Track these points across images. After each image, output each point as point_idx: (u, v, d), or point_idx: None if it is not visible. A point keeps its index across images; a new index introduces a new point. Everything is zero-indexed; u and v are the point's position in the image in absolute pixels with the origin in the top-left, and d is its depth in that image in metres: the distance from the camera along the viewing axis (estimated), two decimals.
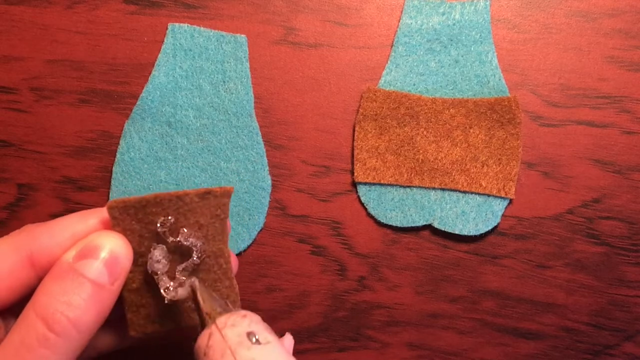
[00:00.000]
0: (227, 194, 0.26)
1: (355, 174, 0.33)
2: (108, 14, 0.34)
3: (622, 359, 0.34)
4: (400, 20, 0.34)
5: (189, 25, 0.34)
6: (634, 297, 0.34)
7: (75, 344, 0.23)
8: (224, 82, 0.34)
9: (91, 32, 0.34)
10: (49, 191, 0.34)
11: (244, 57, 0.34)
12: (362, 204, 0.34)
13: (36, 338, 0.22)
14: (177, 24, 0.34)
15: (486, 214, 0.33)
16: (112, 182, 0.33)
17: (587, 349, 0.35)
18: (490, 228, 0.34)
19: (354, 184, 0.34)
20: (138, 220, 0.25)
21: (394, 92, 0.33)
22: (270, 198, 0.34)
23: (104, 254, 0.24)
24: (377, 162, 0.33)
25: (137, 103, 0.33)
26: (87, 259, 0.24)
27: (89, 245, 0.24)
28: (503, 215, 0.34)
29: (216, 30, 0.34)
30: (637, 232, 0.34)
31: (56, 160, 0.34)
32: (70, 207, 0.34)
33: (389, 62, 0.34)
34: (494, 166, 0.33)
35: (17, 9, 0.34)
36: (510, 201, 0.34)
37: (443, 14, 0.34)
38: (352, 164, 0.34)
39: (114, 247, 0.24)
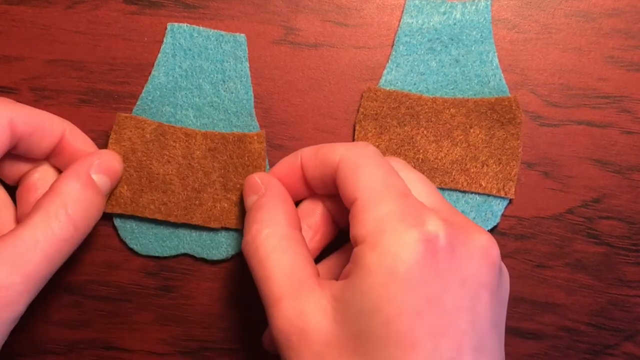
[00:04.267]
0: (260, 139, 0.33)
1: None
2: (108, 14, 0.34)
3: (622, 359, 0.34)
4: (401, 20, 0.34)
5: (188, 25, 0.34)
6: (634, 297, 0.34)
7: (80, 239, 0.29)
8: (223, 81, 0.34)
9: (91, 32, 0.34)
10: None
11: (244, 57, 0.34)
12: None
13: (59, 227, 0.27)
14: (176, 24, 0.34)
15: (486, 214, 0.33)
16: None
17: (587, 349, 0.35)
18: (490, 228, 0.34)
19: None
20: (144, 140, 0.32)
21: (394, 91, 0.33)
22: None
23: (114, 175, 0.31)
24: None
25: (137, 103, 0.33)
26: (104, 176, 0.30)
27: (108, 163, 0.30)
28: (503, 215, 0.34)
29: (215, 30, 0.34)
30: (637, 232, 0.34)
31: None
32: None
33: (389, 61, 0.34)
34: (494, 166, 0.33)
35: (17, 9, 0.34)
36: (510, 201, 0.34)
37: (444, 13, 0.34)
38: None
39: (120, 170, 0.32)
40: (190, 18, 0.34)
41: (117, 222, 0.34)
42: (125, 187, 0.32)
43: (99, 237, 0.34)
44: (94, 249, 0.34)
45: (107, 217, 0.34)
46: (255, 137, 0.33)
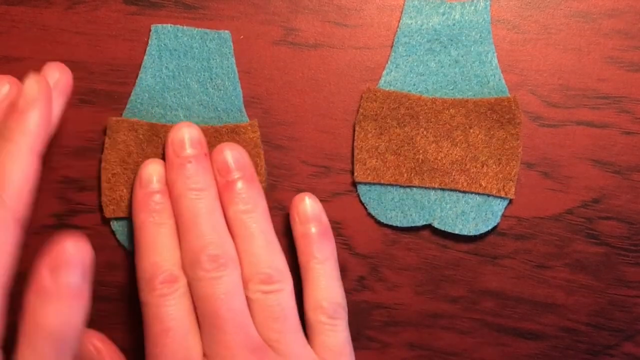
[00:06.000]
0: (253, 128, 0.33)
1: (356, 174, 0.33)
2: (108, 15, 0.34)
3: (621, 359, 0.34)
4: (400, 21, 0.34)
5: (172, 25, 0.34)
6: (634, 297, 0.34)
7: None
8: (211, 79, 0.34)
9: (91, 33, 0.34)
10: (49, 191, 0.34)
11: (229, 53, 0.34)
12: (362, 204, 0.34)
13: None
14: (160, 25, 0.34)
15: (486, 214, 0.33)
16: None
17: (587, 349, 0.35)
18: (490, 228, 0.34)
19: (354, 184, 0.34)
20: (139, 142, 0.33)
21: (394, 92, 0.33)
22: (271, 198, 0.34)
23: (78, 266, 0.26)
24: (377, 162, 0.33)
25: (127, 107, 0.33)
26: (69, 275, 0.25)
27: (62, 259, 0.25)
28: (503, 215, 0.34)
29: (199, 28, 0.34)
30: (637, 232, 0.34)
31: (56, 160, 0.34)
32: (70, 207, 0.34)
33: (389, 62, 0.34)
34: (494, 166, 0.33)
35: (17, 9, 0.34)
36: (510, 201, 0.34)
37: (443, 14, 0.34)
38: (352, 164, 0.34)
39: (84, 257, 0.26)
40: (190, 18, 0.34)
41: (115, 225, 0.34)
42: (125, 190, 0.33)
43: (99, 238, 0.34)
44: (94, 249, 0.34)
45: (106, 220, 0.34)
46: (249, 127, 0.33)
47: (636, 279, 0.34)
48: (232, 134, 0.33)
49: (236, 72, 0.34)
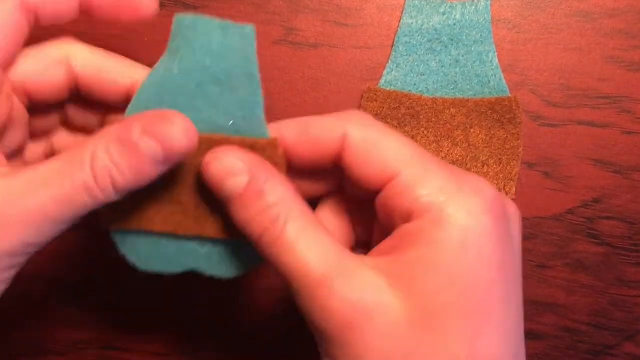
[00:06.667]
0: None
1: None
2: None
3: (622, 359, 0.34)
4: (401, 20, 0.34)
5: (193, 15, 0.28)
6: (634, 297, 0.34)
7: (104, 202, 0.25)
8: (229, 80, 0.27)
9: (91, 33, 0.34)
10: None
11: (252, 52, 0.27)
12: None
13: (82, 179, 0.24)
14: (182, 15, 0.28)
15: None
16: None
17: (588, 349, 0.35)
18: None
19: None
20: None
21: (394, 91, 0.33)
22: None
23: (167, 147, 0.24)
24: None
25: (131, 104, 0.32)
26: (151, 140, 0.24)
27: (158, 129, 0.24)
28: None
29: (220, 20, 0.27)
30: (637, 232, 0.34)
31: None
32: None
33: (389, 61, 0.34)
34: (494, 166, 0.33)
35: None
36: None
37: (444, 13, 0.34)
38: None
39: (181, 143, 0.25)
40: None
41: (116, 237, 0.32)
42: (128, 200, 0.29)
43: (98, 238, 0.34)
44: (94, 249, 0.34)
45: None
46: (267, 145, 0.27)
47: (636, 279, 0.34)
48: (250, 149, 0.27)
49: (258, 74, 0.27)
